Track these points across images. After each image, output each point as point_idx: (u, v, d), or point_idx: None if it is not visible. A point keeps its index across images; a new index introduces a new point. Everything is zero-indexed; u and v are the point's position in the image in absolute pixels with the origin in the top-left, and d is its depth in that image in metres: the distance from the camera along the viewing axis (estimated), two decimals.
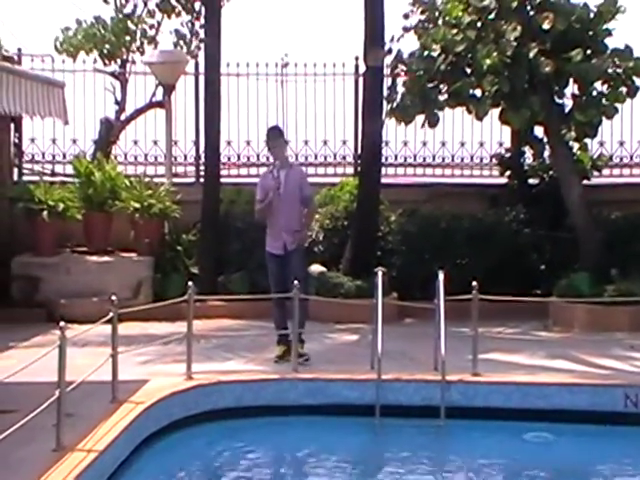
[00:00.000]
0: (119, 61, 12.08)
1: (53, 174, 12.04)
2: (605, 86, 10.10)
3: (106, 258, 10.83)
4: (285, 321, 8.30)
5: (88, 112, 12.05)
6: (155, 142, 12.30)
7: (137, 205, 10.85)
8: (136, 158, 12.36)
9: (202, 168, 11.62)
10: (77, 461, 5.69)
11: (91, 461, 5.75)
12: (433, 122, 10.45)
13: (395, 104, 10.37)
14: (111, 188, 11.00)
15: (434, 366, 7.79)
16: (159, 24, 12.24)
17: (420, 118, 10.44)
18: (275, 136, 8.41)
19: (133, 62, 12.13)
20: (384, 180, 11.25)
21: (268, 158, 12.46)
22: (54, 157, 12.34)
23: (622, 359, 8.47)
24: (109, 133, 11.96)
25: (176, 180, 11.73)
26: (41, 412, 5.66)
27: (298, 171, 8.64)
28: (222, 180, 11.25)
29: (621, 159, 12.32)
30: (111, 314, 6.93)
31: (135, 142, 12.35)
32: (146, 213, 10.86)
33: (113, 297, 7.05)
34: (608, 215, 11.04)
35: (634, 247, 10.60)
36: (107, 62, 12.01)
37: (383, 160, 11.61)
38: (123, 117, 12.14)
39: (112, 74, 12.12)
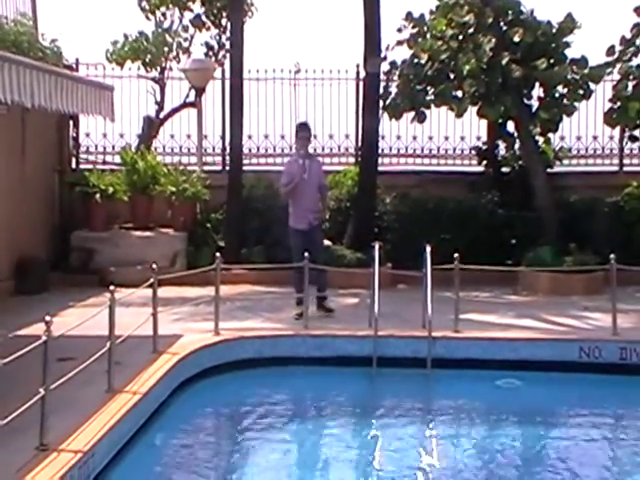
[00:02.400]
0: (159, 68, 12.01)
1: (104, 163, 11.99)
2: (565, 89, 10.08)
3: (148, 233, 10.80)
4: (301, 287, 8.27)
5: (133, 111, 11.98)
6: (188, 136, 12.23)
7: (173, 189, 10.81)
8: (172, 149, 12.28)
9: (227, 158, 11.57)
10: (125, 400, 5.74)
11: (137, 401, 5.79)
12: (421, 119, 10.45)
13: (388, 102, 10.35)
14: (152, 175, 10.95)
15: (422, 324, 7.78)
16: (192, 37, 12.16)
17: (410, 115, 10.43)
18: (304, 129, 8.65)
19: (170, 69, 12.06)
20: (380, 168, 11.18)
21: (283, 150, 12.45)
22: (105, 149, 12.29)
23: (577, 318, 8.49)
24: (150, 129, 11.92)
25: (206, 168, 11.65)
26: (95, 360, 5.70)
27: (318, 162, 8.89)
28: (244, 168, 11.20)
29: (578, 151, 12.23)
30: (152, 280, 6.95)
31: (172, 136, 12.27)
32: (181, 196, 10.82)
33: (154, 266, 7.06)
34: (567, 198, 10.98)
35: (588, 225, 10.57)
36: (149, 69, 11.95)
37: (380, 151, 11.54)
38: (162, 115, 12.09)
39: (153, 79, 12.06)
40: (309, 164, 8.43)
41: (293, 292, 8.64)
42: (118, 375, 5.97)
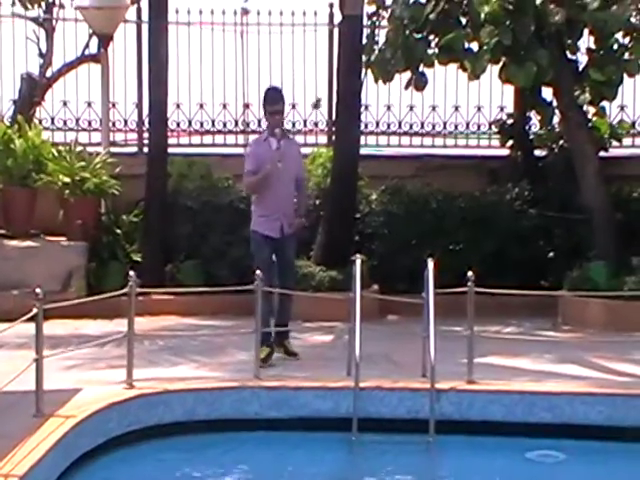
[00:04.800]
0: (44, 5, 11.94)
1: None
2: (627, 38, 10.15)
3: (29, 243, 10.77)
4: (269, 318, 8.34)
5: (5, 66, 11.94)
6: (89, 104, 12.23)
7: (67, 179, 10.78)
8: (65, 123, 12.29)
9: (146, 136, 11.56)
10: None
11: None
12: (420, 84, 10.48)
13: (373, 57, 10.37)
14: (35, 158, 10.93)
15: (422, 372, 7.82)
16: None
17: (405, 77, 10.47)
18: (275, 99, 8.52)
19: (61, 6, 12.02)
20: (363, 151, 11.25)
21: (225, 124, 12.47)
22: None
23: None
24: (32, 92, 11.84)
25: (115, 150, 11.67)
26: None
27: (297, 146, 8.93)
28: (170, 150, 11.23)
29: None
30: (35, 310, 6.85)
31: (64, 103, 12.28)
32: (78, 189, 10.80)
33: (37, 290, 6.97)
34: (630, 193, 11.11)
35: None
36: (29, 6, 11.87)
37: (362, 127, 11.60)
38: (49, 73, 12.02)
39: (35, 20, 11.99)
40: (284, 148, 8.45)
41: (243, 325, 8.64)
42: None
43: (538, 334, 9.64)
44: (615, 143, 11.70)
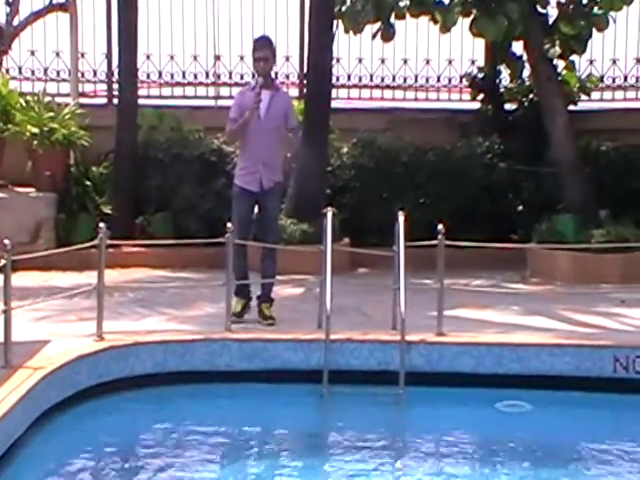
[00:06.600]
0: None
1: None
2: None
3: None
4: (246, 271, 8.26)
5: None
6: (57, 54, 12.10)
7: (35, 130, 10.68)
8: (33, 73, 12.18)
9: (116, 86, 11.45)
10: None
11: None
12: (387, 35, 10.45)
13: (344, 9, 10.32)
14: (2, 108, 10.81)
15: (392, 324, 7.83)
16: None
17: (375, 29, 10.42)
18: (262, 46, 8.25)
19: None
20: (335, 104, 11.20)
21: (196, 76, 12.36)
22: None
23: (611, 316, 8.60)
24: None
25: (84, 101, 11.59)
26: None
27: (285, 97, 8.57)
28: (140, 102, 11.15)
29: (614, 80, 12.37)
30: (3, 261, 6.81)
31: (32, 53, 12.16)
32: (47, 140, 10.69)
33: (6, 241, 6.92)
34: (598, 147, 11.14)
35: (627, 184, 10.74)
36: None
37: (334, 80, 11.54)
38: (16, 21, 11.84)
39: None
40: (269, 98, 8.17)
41: (214, 278, 8.65)
42: None
43: (507, 287, 9.71)
44: (584, 97, 11.72)
